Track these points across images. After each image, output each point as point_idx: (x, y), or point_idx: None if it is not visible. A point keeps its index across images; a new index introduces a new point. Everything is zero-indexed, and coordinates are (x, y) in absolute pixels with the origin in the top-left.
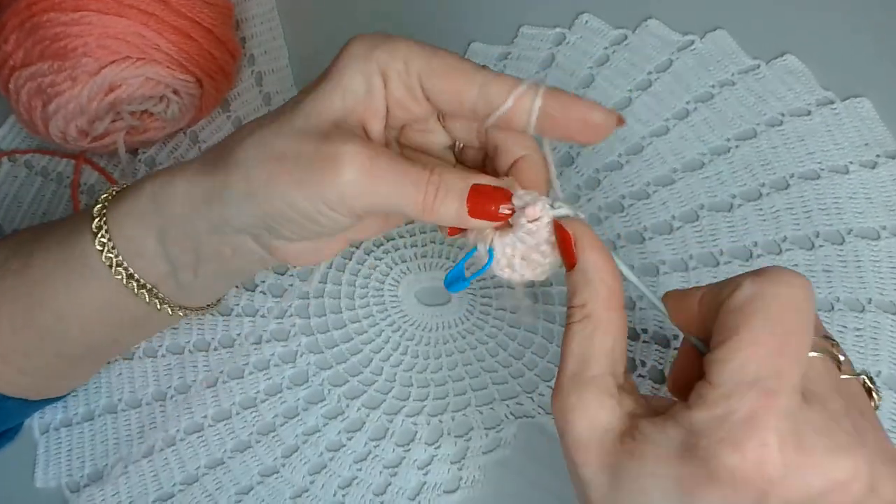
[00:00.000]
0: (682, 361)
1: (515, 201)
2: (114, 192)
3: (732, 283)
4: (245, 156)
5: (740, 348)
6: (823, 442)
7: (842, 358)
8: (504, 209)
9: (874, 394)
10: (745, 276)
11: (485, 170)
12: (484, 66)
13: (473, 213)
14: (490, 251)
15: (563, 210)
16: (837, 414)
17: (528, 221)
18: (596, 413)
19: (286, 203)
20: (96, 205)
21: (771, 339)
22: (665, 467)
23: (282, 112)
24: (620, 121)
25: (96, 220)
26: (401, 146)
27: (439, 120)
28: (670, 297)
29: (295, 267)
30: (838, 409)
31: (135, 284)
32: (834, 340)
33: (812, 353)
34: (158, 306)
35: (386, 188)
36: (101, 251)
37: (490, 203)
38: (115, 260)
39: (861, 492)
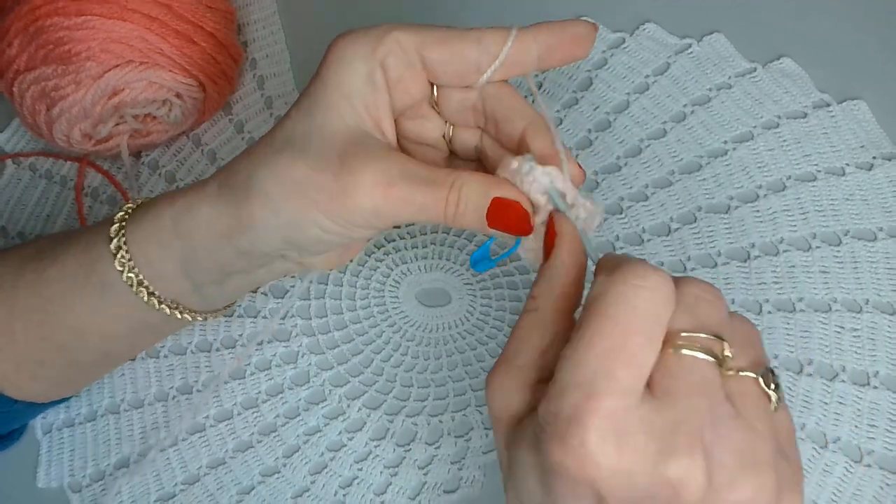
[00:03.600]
0: None
1: (543, 194)
2: (129, 210)
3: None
4: (267, 190)
5: (578, 347)
6: (655, 444)
7: (727, 354)
8: (524, 222)
9: (772, 390)
10: (602, 271)
11: (483, 158)
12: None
13: (493, 224)
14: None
15: (587, 204)
16: (691, 415)
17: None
18: (510, 397)
19: (318, 229)
20: (112, 224)
21: (606, 340)
22: (528, 455)
23: (292, 132)
24: (594, 27)
25: (115, 239)
26: (398, 138)
27: (433, 107)
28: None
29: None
30: (695, 409)
31: (156, 301)
32: (723, 338)
33: (684, 351)
34: (179, 315)
35: (404, 209)
36: (122, 271)
37: (509, 218)
38: (136, 279)
39: (697, 495)
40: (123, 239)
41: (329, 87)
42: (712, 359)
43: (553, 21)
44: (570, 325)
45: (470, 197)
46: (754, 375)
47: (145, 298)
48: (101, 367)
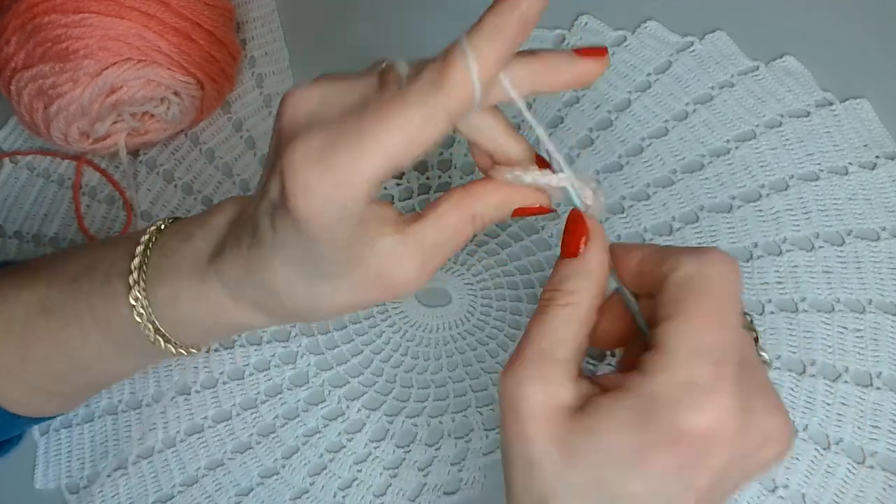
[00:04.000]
0: (610, 313)
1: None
2: (144, 265)
3: (673, 259)
4: (297, 309)
5: (692, 321)
6: (761, 403)
7: (755, 334)
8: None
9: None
10: (685, 252)
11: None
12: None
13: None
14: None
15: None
16: (764, 379)
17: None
18: (556, 390)
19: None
20: (130, 273)
21: (716, 315)
22: (622, 436)
23: (292, 246)
24: (606, 53)
25: (134, 301)
26: None
27: None
28: (616, 249)
29: None
30: (763, 374)
31: (172, 347)
32: (749, 315)
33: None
34: (195, 352)
35: (436, 269)
36: (139, 323)
37: (528, 212)
38: (152, 328)
39: (784, 446)
40: (145, 294)
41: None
42: (753, 334)
43: (549, 54)
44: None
45: (487, 215)
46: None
47: (161, 346)
48: (105, 387)
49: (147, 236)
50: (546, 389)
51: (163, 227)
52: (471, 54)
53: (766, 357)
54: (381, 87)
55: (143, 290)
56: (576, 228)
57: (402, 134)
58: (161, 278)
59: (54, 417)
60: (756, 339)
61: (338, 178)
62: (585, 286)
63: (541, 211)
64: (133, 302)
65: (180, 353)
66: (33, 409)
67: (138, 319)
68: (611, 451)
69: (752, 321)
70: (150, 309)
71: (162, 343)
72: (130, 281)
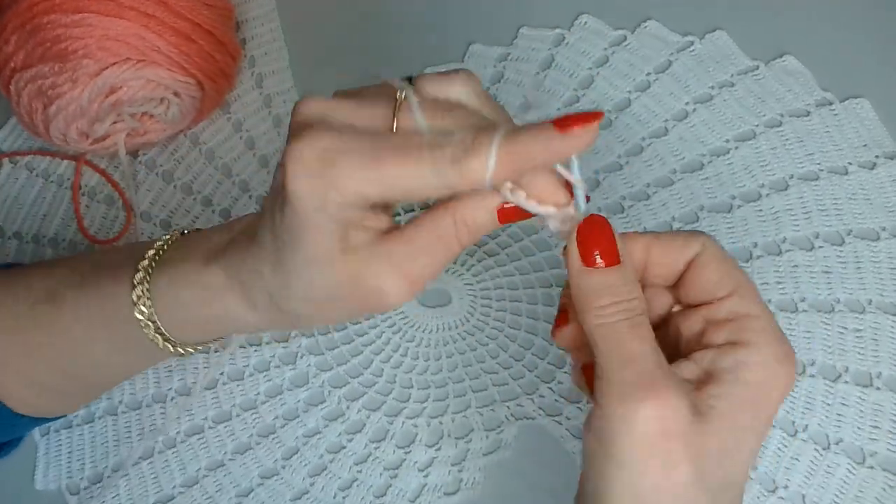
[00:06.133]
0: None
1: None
2: (154, 261)
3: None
4: (298, 310)
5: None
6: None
7: None
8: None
9: None
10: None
11: None
12: (424, 151)
13: (505, 221)
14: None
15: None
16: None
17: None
18: (681, 405)
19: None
20: (136, 272)
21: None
22: (755, 408)
23: (290, 265)
24: (597, 120)
25: (138, 304)
26: None
27: None
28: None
29: None
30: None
31: (170, 346)
32: None
33: None
34: (193, 351)
35: (425, 272)
36: (141, 319)
37: (517, 215)
38: (155, 330)
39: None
40: (148, 297)
41: (296, 255)
42: None
43: (536, 131)
44: None
45: (470, 217)
46: None
47: (160, 345)
48: (108, 388)
49: (161, 242)
50: (675, 411)
51: (185, 232)
52: (493, 157)
53: None
54: (396, 118)
55: (147, 281)
56: (604, 234)
57: (405, 179)
58: (167, 264)
59: (57, 419)
60: None
61: (334, 175)
62: (638, 290)
63: (525, 215)
64: (135, 299)
65: (178, 352)
66: (37, 408)
67: (139, 316)
68: (745, 427)
69: None
70: (150, 302)
71: (160, 342)
72: (136, 279)
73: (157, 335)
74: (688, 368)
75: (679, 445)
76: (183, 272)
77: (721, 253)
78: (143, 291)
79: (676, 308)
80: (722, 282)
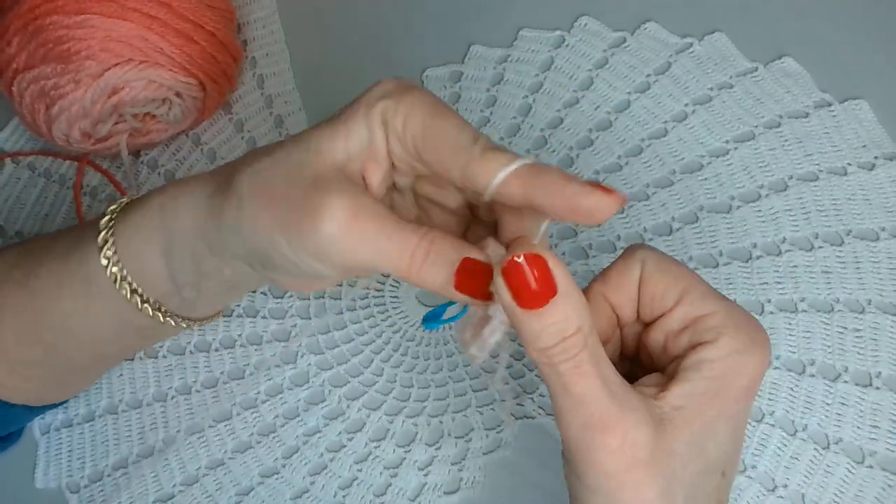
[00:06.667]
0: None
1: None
2: (123, 204)
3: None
4: (241, 188)
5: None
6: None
7: None
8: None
9: None
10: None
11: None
12: (478, 135)
13: (460, 287)
14: (465, 309)
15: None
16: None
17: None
18: (636, 433)
19: (270, 244)
20: (104, 216)
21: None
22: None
23: (289, 141)
24: (621, 200)
25: (103, 232)
26: (416, 196)
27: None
28: (610, 277)
29: None
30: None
31: (138, 299)
32: None
33: None
34: (162, 319)
35: (367, 248)
36: (106, 266)
37: (477, 282)
38: (119, 275)
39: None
40: (111, 231)
41: (341, 118)
42: None
43: (566, 179)
44: None
45: (441, 252)
46: None
47: (128, 296)
48: (93, 370)
49: (126, 199)
50: (628, 437)
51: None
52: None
53: None
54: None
55: (114, 219)
56: (539, 266)
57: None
58: (133, 209)
59: (53, 407)
60: None
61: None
62: (587, 315)
63: (486, 276)
64: (101, 227)
65: (146, 311)
66: (27, 395)
67: (104, 261)
68: (718, 424)
69: None
70: (115, 247)
71: (128, 292)
72: (102, 223)
73: (124, 284)
74: (654, 379)
75: (643, 469)
76: (149, 207)
77: (661, 263)
78: (108, 235)
79: (639, 327)
80: (668, 292)
